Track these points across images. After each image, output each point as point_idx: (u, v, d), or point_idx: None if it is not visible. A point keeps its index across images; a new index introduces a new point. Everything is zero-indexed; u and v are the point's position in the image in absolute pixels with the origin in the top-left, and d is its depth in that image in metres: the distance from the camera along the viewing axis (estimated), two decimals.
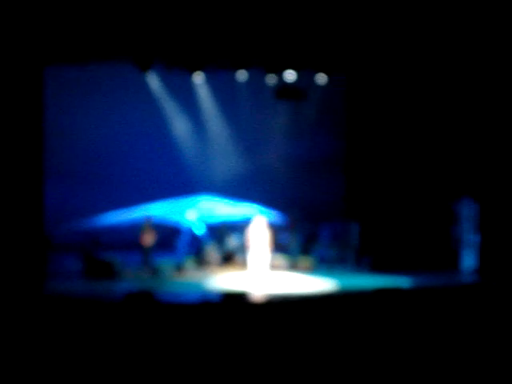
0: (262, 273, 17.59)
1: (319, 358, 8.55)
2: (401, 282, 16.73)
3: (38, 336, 9.26)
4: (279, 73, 19.43)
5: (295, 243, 20.52)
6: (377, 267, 19.57)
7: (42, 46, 17.23)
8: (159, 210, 20.64)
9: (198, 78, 20.92)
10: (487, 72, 18.95)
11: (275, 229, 19.88)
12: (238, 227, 20.64)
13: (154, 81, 22.71)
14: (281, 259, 20.10)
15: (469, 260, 19.94)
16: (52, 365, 8.27)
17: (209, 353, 8.72)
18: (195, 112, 24.30)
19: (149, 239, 18.99)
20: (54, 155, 21.52)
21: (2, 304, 11.14)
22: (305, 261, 20.18)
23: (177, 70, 19.22)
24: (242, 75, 19.92)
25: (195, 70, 19.39)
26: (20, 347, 8.70)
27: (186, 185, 23.45)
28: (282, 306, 11.07)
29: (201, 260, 20.13)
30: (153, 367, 8.26)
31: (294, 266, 19.84)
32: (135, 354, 8.65)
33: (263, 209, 21.37)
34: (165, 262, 19.28)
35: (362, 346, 9.05)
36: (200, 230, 21.35)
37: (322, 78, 20.21)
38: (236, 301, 11.62)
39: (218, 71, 19.86)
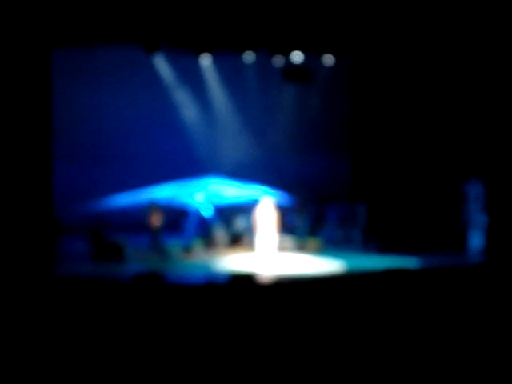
0: (270, 254, 17.64)
1: (326, 339, 8.58)
2: (408, 262, 16.76)
3: (48, 318, 9.33)
4: (286, 54, 19.38)
5: (302, 225, 20.56)
6: (384, 248, 19.60)
7: (50, 29, 17.26)
8: (167, 192, 20.66)
9: (205, 60, 20.90)
10: (496, 52, 18.89)
11: (283, 210, 19.90)
12: (246, 209, 20.67)
13: (161, 63, 22.66)
14: (288, 241, 20.13)
15: (476, 240, 19.93)
16: (61, 347, 8.33)
17: (216, 334, 8.77)
18: (202, 94, 24.28)
19: (157, 221, 19.04)
20: (62, 138, 21.62)
21: (12, 287, 11.21)
22: (312, 242, 20.21)
23: (184, 52, 19.19)
24: (248, 57, 19.86)
25: (202, 52, 19.34)
26: (30, 330, 8.76)
27: (193, 167, 23.45)
28: (290, 287, 11.11)
29: (209, 242, 20.19)
30: (161, 349, 8.31)
31: (301, 248, 19.88)
32: (144, 335, 8.71)
33: (271, 190, 21.36)
34: (173, 244, 19.35)
35: (369, 327, 9.09)
36: (208, 212, 21.37)
37: (328, 60, 20.14)
38: (244, 282, 11.67)
39: (225, 53, 19.80)
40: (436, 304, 10.32)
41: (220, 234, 20.22)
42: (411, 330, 9.08)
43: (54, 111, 18.42)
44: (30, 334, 8.62)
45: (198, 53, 19.43)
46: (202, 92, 24.19)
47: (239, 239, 20.36)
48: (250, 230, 20.30)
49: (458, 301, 10.72)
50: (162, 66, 22.87)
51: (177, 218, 20.77)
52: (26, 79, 16.93)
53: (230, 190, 21.75)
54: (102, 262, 17.93)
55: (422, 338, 8.75)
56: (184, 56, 19.67)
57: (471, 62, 19.62)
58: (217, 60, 21.83)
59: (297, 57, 19.43)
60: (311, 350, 8.21)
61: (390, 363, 7.95)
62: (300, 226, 20.57)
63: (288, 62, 19.98)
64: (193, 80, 23.73)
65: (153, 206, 19.28)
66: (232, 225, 20.39)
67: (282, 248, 19.74)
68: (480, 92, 19.58)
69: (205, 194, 21.46)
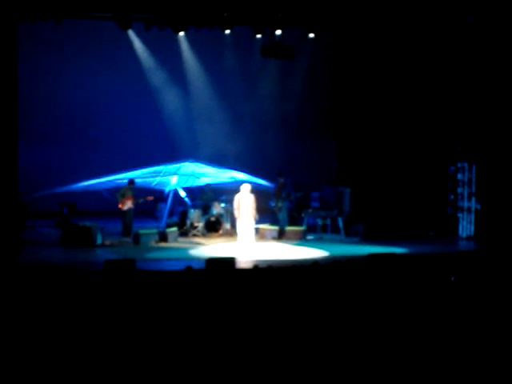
0: (249, 241, 17.55)
1: (305, 324, 8.51)
2: (394, 249, 16.71)
3: (12, 305, 9.18)
4: (265, 31, 19.21)
5: (284, 211, 20.45)
6: (369, 235, 19.53)
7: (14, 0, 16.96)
8: (141, 176, 20.46)
9: (183, 38, 20.75)
10: (481, 31, 18.90)
11: (263, 196, 19.79)
12: (224, 193, 20.55)
13: (137, 41, 22.40)
14: (269, 227, 20.05)
15: (465, 226, 19.98)
16: (26, 335, 8.18)
17: (192, 320, 8.67)
18: (180, 75, 24.07)
19: (128, 204, 18.83)
20: (29, 118, 21.37)
21: None
22: (294, 229, 20.11)
23: (160, 29, 18.95)
24: (228, 34, 19.70)
25: (180, 29, 19.15)
26: None
27: (170, 151, 23.29)
28: (269, 272, 11.02)
29: (184, 227, 20.04)
30: (134, 336, 8.19)
31: (282, 235, 19.78)
32: (115, 323, 8.59)
33: (251, 176, 21.25)
34: (147, 230, 19.17)
35: (351, 312, 9.03)
36: (184, 197, 21.24)
37: (310, 36, 20.02)
38: (221, 267, 11.57)
39: (204, 31, 19.59)
40: (424, 290, 10.29)
41: (196, 219, 20.07)
42: (396, 315, 9.02)
43: (20, 89, 18.16)
44: None
45: (175, 30, 19.18)
46: (179, 72, 23.99)
47: (216, 225, 20.21)
48: (227, 215, 20.21)
49: (446, 287, 10.70)
50: (137, 43, 22.60)
51: (151, 203, 20.60)
52: None
53: (208, 174, 21.61)
54: (72, 247, 17.73)
55: (410, 324, 8.70)
56: (161, 33, 19.41)
57: (458, 42, 19.58)
58: (195, 38, 21.63)
59: (276, 33, 19.31)
60: (290, 335, 8.13)
61: (367, 347, 7.88)
62: (282, 212, 20.46)
63: (267, 39, 19.86)
64: (170, 58, 23.51)
65: (126, 189, 19.08)
66: (209, 210, 20.24)
67: (262, 235, 19.71)
68: (469, 72, 19.54)
69: (181, 178, 21.30)
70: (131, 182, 19.22)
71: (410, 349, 7.86)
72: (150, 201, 19.86)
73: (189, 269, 11.12)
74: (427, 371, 7.41)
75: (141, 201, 19.20)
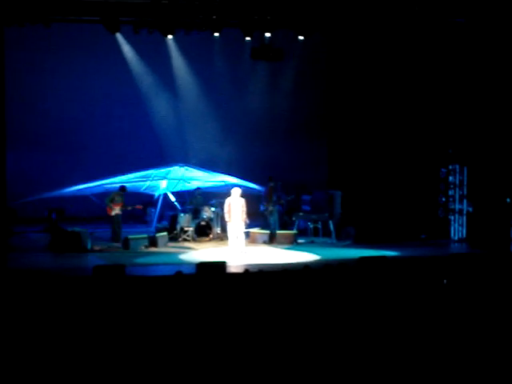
0: (240, 245, 17.53)
1: (296, 328, 8.52)
2: (386, 252, 16.73)
3: (1, 312, 9.16)
4: (255, 33, 19.21)
5: (275, 215, 20.45)
6: (361, 238, 19.54)
7: (1, 4, 16.91)
8: (130, 181, 20.42)
9: (172, 41, 20.75)
10: (472, 33, 18.94)
11: (254, 200, 19.80)
12: (214, 197, 20.54)
13: (125, 44, 22.38)
14: (260, 231, 20.04)
15: (457, 228, 20.03)
16: (15, 341, 8.17)
17: (182, 326, 8.66)
18: (170, 78, 24.08)
19: (116, 210, 18.80)
20: (17, 122, 21.33)
21: None
22: (285, 233, 20.11)
23: (148, 32, 18.92)
24: (217, 37, 19.70)
25: (168, 33, 19.15)
26: None
27: (159, 155, 23.29)
28: (260, 277, 11.00)
29: (174, 232, 20.00)
30: (124, 342, 8.18)
31: (273, 239, 19.76)
32: (104, 329, 8.57)
33: (241, 180, 21.25)
34: (137, 235, 19.11)
35: (343, 316, 9.03)
36: (174, 202, 21.22)
37: (300, 38, 20.03)
38: (211, 272, 11.55)
39: (193, 34, 19.57)
40: (415, 294, 10.30)
41: (186, 223, 20.03)
42: (388, 318, 9.03)
43: (7, 94, 18.13)
44: None
45: (164, 34, 19.17)
46: (169, 75, 24.00)
47: (206, 229, 20.17)
48: (218, 220, 20.19)
49: (439, 290, 10.72)
50: (126, 47, 22.57)
51: (141, 207, 20.59)
52: None
53: (198, 179, 21.59)
54: (61, 252, 17.68)
55: (399, 328, 8.71)
56: (150, 37, 19.39)
57: (450, 44, 19.61)
58: (184, 41, 21.64)
59: (266, 35, 19.32)
60: (282, 339, 8.14)
61: (360, 351, 7.90)
62: (272, 216, 20.47)
63: (257, 41, 19.89)
64: (159, 62, 23.52)
65: (115, 194, 19.05)
66: (199, 214, 20.21)
67: (253, 239, 19.70)
68: (460, 74, 19.58)
69: (171, 182, 21.28)
70: (123, 188, 19.19)
71: (402, 352, 7.87)
72: (139, 209, 19.91)
73: (179, 274, 11.09)
74: (420, 374, 7.42)
75: (129, 208, 19.18)
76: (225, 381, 7.25)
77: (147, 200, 21.77)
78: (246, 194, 18.47)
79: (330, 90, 23.08)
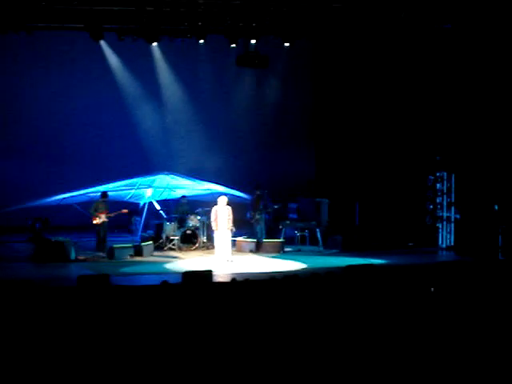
0: (226, 254, 17.52)
1: (287, 337, 8.51)
2: (373, 260, 16.75)
3: None
4: (240, 40, 19.25)
5: (262, 223, 20.44)
6: (348, 247, 19.56)
7: None
8: (115, 189, 20.35)
9: (157, 48, 20.73)
10: (461, 37, 18.99)
11: (240, 208, 19.78)
12: (200, 205, 20.51)
13: (109, 52, 22.37)
14: (247, 240, 20.02)
15: (445, 236, 20.08)
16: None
17: (168, 336, 8.63)
18: (155, 85, 24.08)
19: (102, 218, 18.74)
20: (0, 131, 21.27)
21: None
22: (272, 241, 20.09)
23: (133, 39, 18.94)
24: (202, 44, 19.72)
25: (153, 40, 19.16)
26: None
27: (144, 163, 23.24)
28: (247, 286, 11.00)
29: (160, 240, 19.95)
30: (109, 353, 8.15)
31: (260, 247, 19.75)
32: (89, 340, 8.53)
33: (227, 188, 21.21)
34: (122, 244, 19.03)
35: (330, 325, 9.03)
36: (159, 210, 21.16)
37: (286, 45, 20.08)
38: (197, 281, 11.53)
39: (177, 41, 19.60)
40: (402, 302, 10.31)
41: (172, 232, 19.97)
42: (373, 328, 9.04)
43: None
44: None
45: (148, 41, 19.19)
46: (154, 82, 24.00)
47: (192, 237, 20.10)
48: (204, 229, 20.15)
49: (426, 298, 10.73)
50: (110, 55, 22.56)
51: (126, 216, 20.51)
52: None
53: (183, 187, 21.53)
54: (45, 262, 17.59)
55: (387, 337, 8.72)
56: (134, 44, 19.40)
57: (437, 51, 19.68)
58: (169, 48, 21.66)
59: (251, 42, 19.37)
60: (269, 349, 8.13)
61: (347, 359, 7.90)
62: (259, 224, 20.45)
63: (242, 48, 19.95)
64: (143, 69, 23.54)
65: (99, 203, 18.99)
66: (185, 222, 20.15)
67: (239, 247, 19.68)
68: (447, 81, 19.64)
69: (156, 191, 21.22)
70: (104, 195, 19.11)
71: (391, 360, 7.87)
72: (125, 214, 19.77)
73: (165, 283, 11.06)
74: (408, 382, 7.43)
75: (114, 214, 19.11)
76: None
77: (132, 209, 21.69)
78: (233, 203, 18.47)
79: (316, 97, 23.12)
